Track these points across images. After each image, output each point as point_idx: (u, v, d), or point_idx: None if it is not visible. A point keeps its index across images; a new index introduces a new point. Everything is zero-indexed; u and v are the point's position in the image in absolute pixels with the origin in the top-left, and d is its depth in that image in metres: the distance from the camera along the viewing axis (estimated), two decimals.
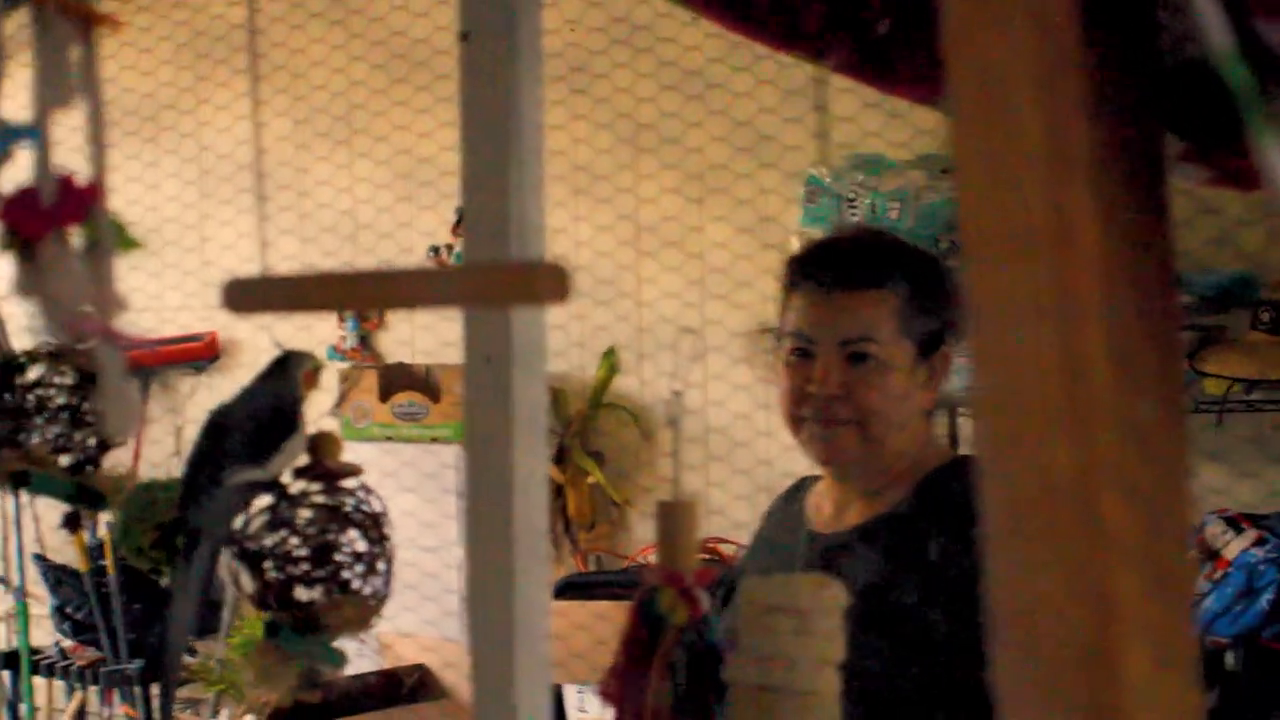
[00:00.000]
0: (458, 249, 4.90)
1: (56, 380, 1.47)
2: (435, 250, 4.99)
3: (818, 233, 4.19)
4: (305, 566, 1.41)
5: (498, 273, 0.82)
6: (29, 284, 0.70)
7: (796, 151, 4.39)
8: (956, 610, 1.88)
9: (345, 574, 1.42)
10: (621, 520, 4.78)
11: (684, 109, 4.61)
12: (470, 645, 1.32)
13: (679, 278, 4.65)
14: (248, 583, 1.42)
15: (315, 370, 1.42)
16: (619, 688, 1.24)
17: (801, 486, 2.26)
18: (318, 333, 5.08)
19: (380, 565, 1.43)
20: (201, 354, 5.38)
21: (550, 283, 0.81)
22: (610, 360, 4.72)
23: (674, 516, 1.21)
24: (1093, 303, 0.56)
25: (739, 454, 4.47)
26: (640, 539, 4.70)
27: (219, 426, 1.39)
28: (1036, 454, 0.56)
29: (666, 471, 4.62)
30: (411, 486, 4.58)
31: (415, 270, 0.90)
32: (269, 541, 1.41)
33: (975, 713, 1.89)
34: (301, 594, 1.42)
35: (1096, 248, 0.57)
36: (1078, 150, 0.55)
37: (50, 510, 4.99)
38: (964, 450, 3.26)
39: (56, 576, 4.98)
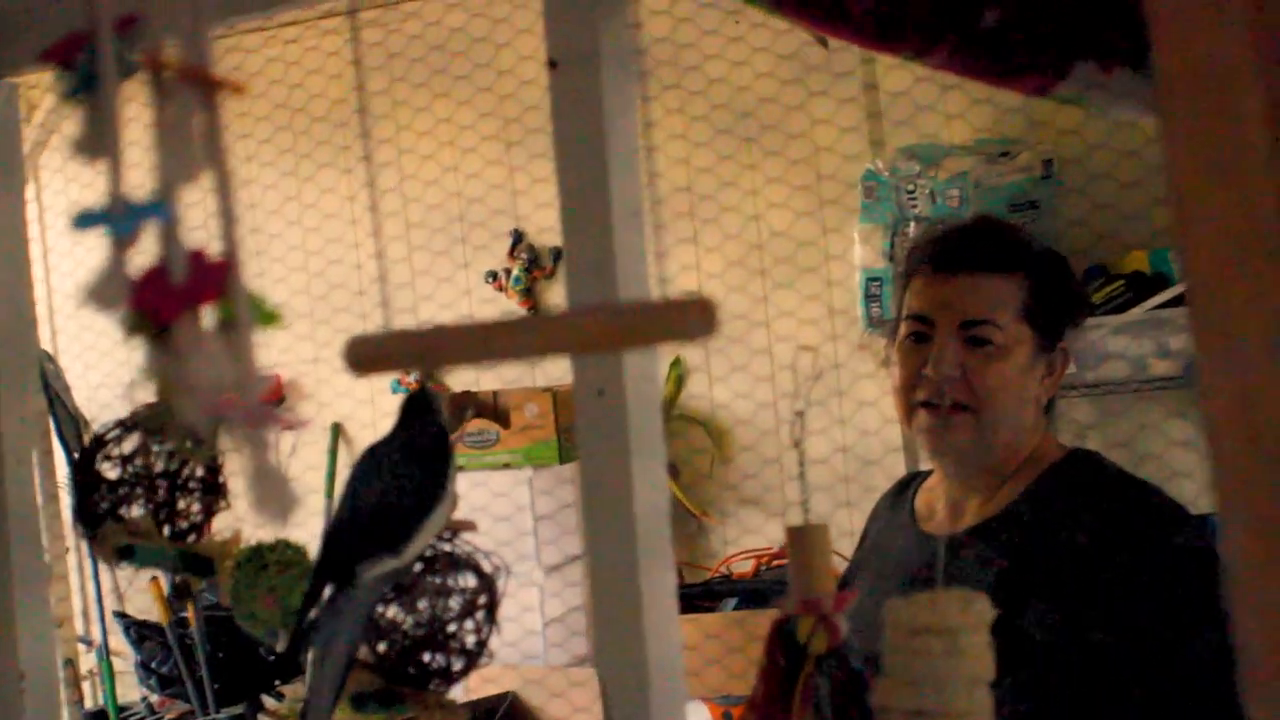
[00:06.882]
0: (515, 272, 4.86)
1: (155, 448, 1.45)
2: (493, 275, 4.93)
3: (878, 229, 4.14)
4: (405, 639, 1.38)
5: (643, 312, 0.78)
6: (163, 369, 0.67)
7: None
8: (1082, 612, 1.83)
9: (450, 643, 1.38)
10: (699, 532, 4.73)
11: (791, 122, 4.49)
12: (602, 684, 1.28)
13: (794, 295, 4.54)
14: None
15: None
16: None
17: (908, 485, 2.18)
18: None
19: (481, 635, 1.38)
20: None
21: (699, 318, 0.77)
22: (677, 371, 4.66)
23: (806, 541, 1.17)
24: None
25: (870, 472, 4.36)
26: (717, 551, 4.65)
27: (356, 503, 1.25)
28: None
29: (793, 494, 4.49)
30: (482, 506, 4.54)
31: (553, 316, 0.87)
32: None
33: None
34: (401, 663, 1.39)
35: None
36: None
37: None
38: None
39: (139, 633, 4.97)
